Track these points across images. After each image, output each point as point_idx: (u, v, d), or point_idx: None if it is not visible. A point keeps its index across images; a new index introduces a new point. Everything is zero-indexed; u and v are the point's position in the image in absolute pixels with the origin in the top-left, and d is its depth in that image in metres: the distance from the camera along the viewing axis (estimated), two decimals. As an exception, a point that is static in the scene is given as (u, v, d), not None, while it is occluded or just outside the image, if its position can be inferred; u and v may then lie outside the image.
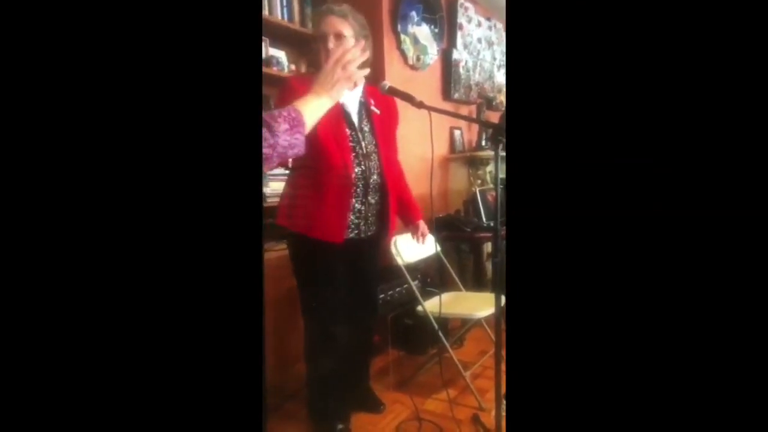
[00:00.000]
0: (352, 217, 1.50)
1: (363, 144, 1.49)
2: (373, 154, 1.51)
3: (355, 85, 1.53)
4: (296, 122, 0.84)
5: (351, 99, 1.52)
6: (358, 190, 1.48)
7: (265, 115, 0.81)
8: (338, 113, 1.47)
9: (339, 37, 1.42)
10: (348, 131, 1.48)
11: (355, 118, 1.51)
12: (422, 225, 1.75)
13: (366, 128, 1.52)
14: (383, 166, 1.53)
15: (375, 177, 1.51)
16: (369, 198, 1.51)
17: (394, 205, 1.61)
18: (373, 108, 1.55)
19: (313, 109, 0.87)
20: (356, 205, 1.49)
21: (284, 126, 0.82)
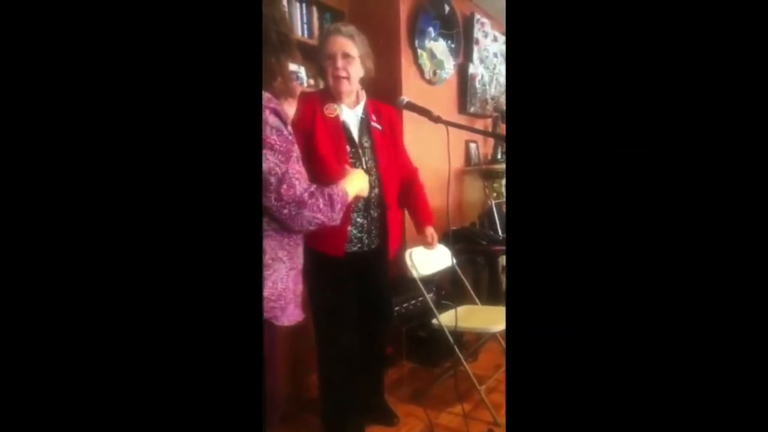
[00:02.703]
0: (354, 231, 1.53)
1: (363, 160, 1.53)
2: (374, 170, 1.54)
3: (357, 102, 1.58)
4: (344, 203, 1.04)
5: (352, 116, 1.57)
6: (360, 204, 1.51)
7: (329, 189, 1.00)
8: (339, 130, 1.52)
9: (346, 56, 1.49)
10: (348, 148, 1.52)
11: (355, 135, 1.55)
12: (429, 231, 1.73)
13: (366, 144, 1.56)
14: (384, 181, 1.56)
15: (376, 191, 1.54)
16: (371, 212, 1.54)
17: (395, 219, 1.63)
18: (374, 124, 1.59)
19: (353, 189, 1.11)
20: (358, 219, 1.53)
21: (339, 205, 1.01)
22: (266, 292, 0.94)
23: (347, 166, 1.19)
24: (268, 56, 0.94)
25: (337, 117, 1.52)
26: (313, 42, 2.28)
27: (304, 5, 2.25)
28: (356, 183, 1.14)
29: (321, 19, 2.35)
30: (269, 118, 0.89)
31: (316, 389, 1.89)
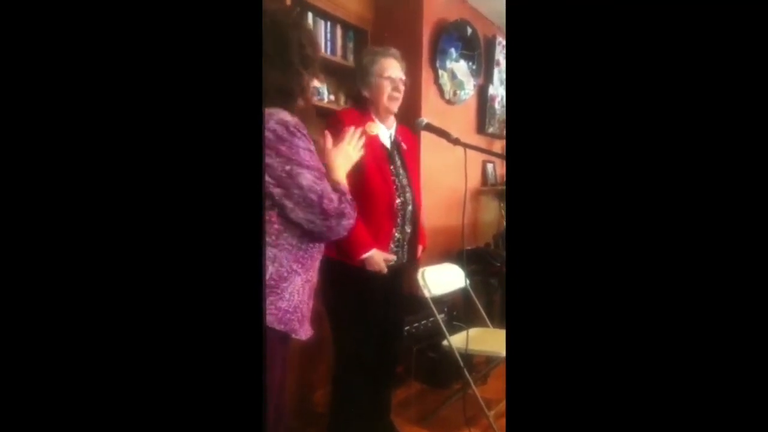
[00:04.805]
0: (393, 247, 1.57)
1: (400, 176, 1.60)
2: (407, 186, 1.61)
3: (392, 122, 1.64)
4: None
5: (386, 135, 1.62)
6: (398, 219, 1.56)
7: (344, 195, 1.01)
8: (380, 149, 1.57)
9: (401, 81, 1.58)
10: (389, 166, 1.58)
11: (392, 154, 1.61)
12: (418, 250, 1.76)
13: (398, 162, 1.62)
14: (416, 197, 1.62)
15: (410, 207, 1.59)
16: (406, 227, 1.60)
17: (422, 235, 1.68)
18: (402, 144, 1.66)
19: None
20: (396, 234, 1.58)
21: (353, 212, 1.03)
22: (284, 304, 0.96)
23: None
24: (291, 77, 0.98)
25: (377, 136, 1.58)
26: (336, 59, 2.31)
27: (328, 23, 2.29)
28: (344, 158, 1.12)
29: (344, 37, 2.39)
30: (300, 142, 0.94)
31: (321, 405, 1.87)
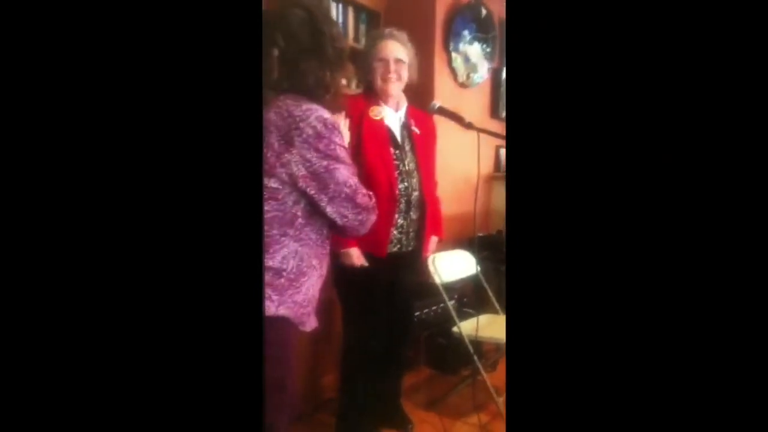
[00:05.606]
0: (395, 232, 1.56)
1: (405, 162, 1.57)
2: (415, 172, 1.58)
3: (400, 106, 1.61)
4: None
5: (395, 119, 1.59)
6: (401, 206, 1.54)
7: (366, 189, 1.03)
8: (384, 133, 1.55)
9: (398, 61, 1.53)
10: (392, 150, 1.55)
11: (398, 137, 1.58)
12: (433, 240, 1.75)
13: (407, 147, 1.59)
14: (423, 183, 1.59)
15: (416, 193, 1.57)
16: (411, 213, 1.57)
17: (431, 222, 1.66)
18: (413, 128, 1.62)
19: None
20: (399, 220, 1.55)
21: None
22: (300, 298, 0.99)
23: None
24: (323, 71, 0.99)
25: (381, 120, 1.55)
26: (348, 42, 2.28)
27: (340, 5, 2.25)
28: None
29: (357, 19, 2.35)
30: (337, 138, 0.96)
31: (330, 390, 1.89)
